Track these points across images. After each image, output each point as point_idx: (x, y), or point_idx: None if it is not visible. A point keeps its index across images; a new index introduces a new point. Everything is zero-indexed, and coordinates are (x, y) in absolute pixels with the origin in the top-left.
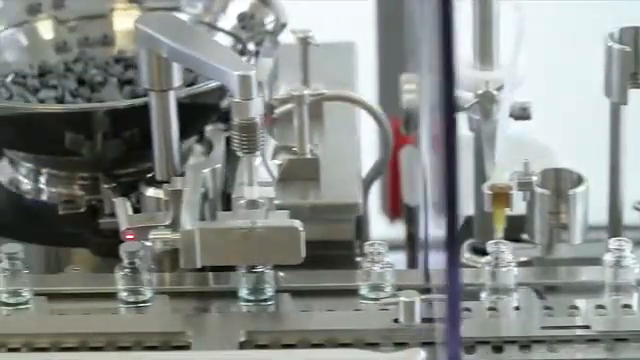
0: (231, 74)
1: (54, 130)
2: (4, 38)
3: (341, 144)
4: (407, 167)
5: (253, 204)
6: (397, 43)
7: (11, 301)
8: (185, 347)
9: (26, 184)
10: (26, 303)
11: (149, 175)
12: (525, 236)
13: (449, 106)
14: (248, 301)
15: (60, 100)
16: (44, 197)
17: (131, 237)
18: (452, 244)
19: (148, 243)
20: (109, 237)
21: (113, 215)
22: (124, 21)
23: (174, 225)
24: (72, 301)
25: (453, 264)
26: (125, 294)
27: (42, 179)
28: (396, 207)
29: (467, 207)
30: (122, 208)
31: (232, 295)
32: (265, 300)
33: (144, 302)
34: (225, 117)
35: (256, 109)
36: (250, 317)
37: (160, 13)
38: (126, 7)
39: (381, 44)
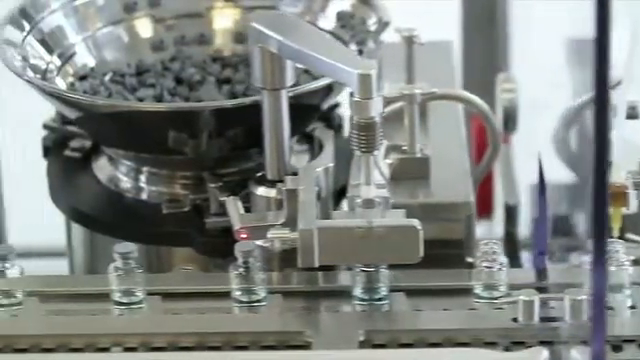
0: (351, 73)
1: (158, 129)
2: (102, 36)
3: (447, 143)
4: (505, 166)
5: (369, 203)
6: (483, 41)
7: (124, 300)
8: (303, 347)
9: (126, 182)
10: (140, 303)
11: (259, 174)
12: (632, 235)
13: (601, 105)
14: (362, 300)
15: (158, 99)
16: (144, 196)
17: (244, 236)
18: (600, 243)
19: (260, 242)
20: (215, 236)
21: (219, 214)
22: (220, 20)
23: (290, 224)
24: (185, 300)
25: (600, 263)
26: (239, 293)
27: (142, 178)
28: (485, 206)
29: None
30: (233, 207)
31: (343, 294)
32: (379, 299)
33: (258, 302)
34: (324, 117)
35: (376, 108)
36: (366, 316)
37: (273, 12)
38: (222, 6)
39: (467, 42)
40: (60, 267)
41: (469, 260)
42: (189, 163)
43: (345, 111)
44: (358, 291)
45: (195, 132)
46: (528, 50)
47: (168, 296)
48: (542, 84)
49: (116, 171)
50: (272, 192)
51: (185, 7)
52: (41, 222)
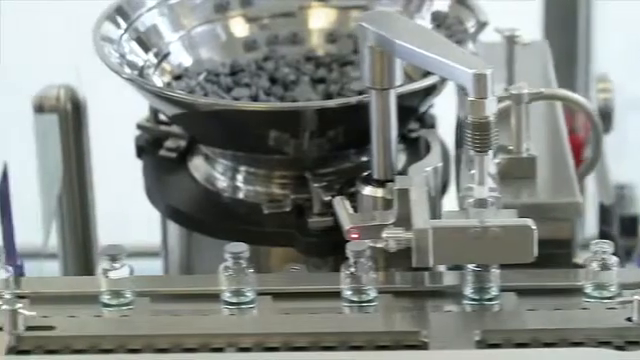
0: (466, 72)
1: (261, 128)
2: (196, 35)
3: (549, 142)
4: (599, 166)
5: (482, 203)
6: (565, 41)
7: (234, 300)
8: (419, 346)
9: (222, 181)
10: (250, 303)
11: (365, 174)
12: None
13: None
14: (473, 300)
15: (254, 98)
16: (241, 195)
17: (355, 236)
18: None
19: (368, 242)
20: (318, 236)
21: (321, 214)
22: (313, 19)
23: (400, 224)
24: (296, 300)
25: None
26: (349, 293)
27: (240, 177)
28: None
29: None
30: (342, 207)
31: (451, 294)
32: (490, 299)
33: (368, 301)
34: (417, 118)
35: (490, 108)
36: (479, 316)
37: (383, 11)
38: (315, 5)
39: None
40: (152, 267)
41: (576, 261)
42: (288, 163)
43: (437, 111)
44: (468, 291)
45: (298, 132)
46: (610, 50)
47: (278, 296)
48: (630, 84)
49: (213, 170)
50: (379, 192)
51: (277, 7)
52: (132, 222)
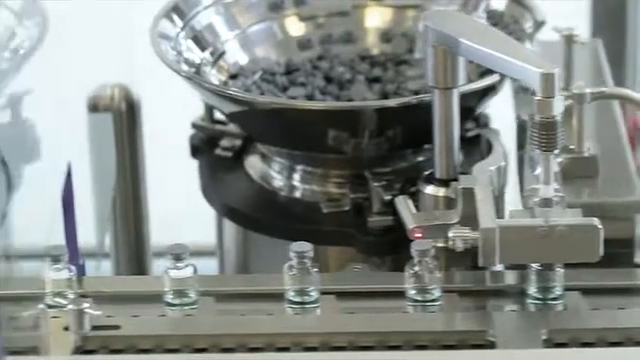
0: (534, 71)
1: (320, 127)
2: (251, 34)
3: (607, 141)
4: None
5: (548, 202)
6: (613, 39)
7: (297, 300)
8: (485, 346)
9: (279, 180)
10: (314, 302)
11: (426, 173)
12: None
13: None
14: (537, 299)
15: (309, 98)
16: (297, 194)
17: (419, 235)
18: None
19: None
20: (378, 235)
21: (381, 213)
22: (367, 18)
23: (464, 223)
24: (359, 300)
25: None
26: (413, 292)
27: (296, 176)
28: None
29: None
30: (405, 207)
31: (514, 294)
32: (554, 299)
33: (432, 301)
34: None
35: (557, 107)
36: (545, 315)
37: (447, 10)
38: (369, 4)
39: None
40: (207, 267)
41: (637, 260)
42: (345, 162)
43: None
44: (532, 290)
45: (357, 131)
46: None
47: (341, 295)
48: None
49: (269, 169)
50: (441, 191)
51: (331, 6)
52: (185, 222)
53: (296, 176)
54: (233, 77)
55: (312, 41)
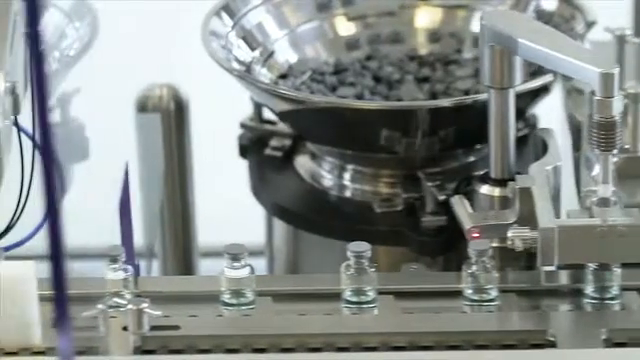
0: (594, 71)
1: (373, 127)
2: (299, 34)
3: None
4: None
5: (606, 202)
6: None
7: (355, 299)
8: (545, 345)
9: (329, 180)
10: (371, 302)
11: (481, 173)
12: None
13: None
14: (594, 299)
15: (359, 97)
16: (348, 193)
17: (476, 235)
18: None
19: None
20: (432, 235)
21: (435, 213)
22: (415, 18)
23: (522, 223)
24: (417, 299)
25: None
26: (470, 292)
27: (347, 175)
28: None
29: None
30: (461, 207)
31: (570, 293)
32: (612, 298)
33: (489, 300)
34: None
35: (617, 107)
36: (601, 315)
37: (504, 10)
38: (416, 4)
39: None
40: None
41: None
42: (396, 161)
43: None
44: (589, 290)
45: (410, 131)
46: None
47: (399, 295)
48: None
49: (319, 168)
50: (496, 191)
51: (379, 6)
52: (232, 222)
53: (346, 175)
54: (282, 77)
55: (360, 41)
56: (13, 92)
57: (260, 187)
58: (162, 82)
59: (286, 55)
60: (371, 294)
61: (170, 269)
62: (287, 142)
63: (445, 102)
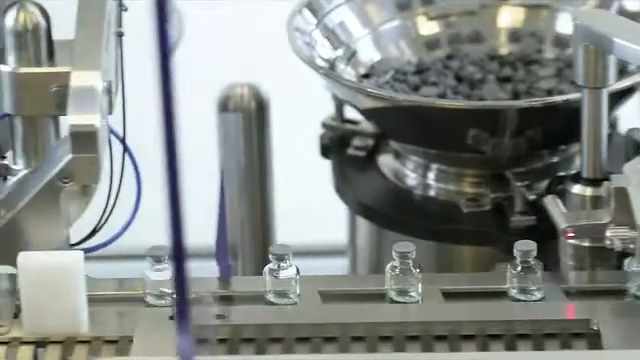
0: None
1: (460, 126)
2: (380, 33)
3: None
4: None
5: None
6: None
7: (399, 300)
8: (588, 335)
9: (413, 179)
10: (416, 303)
11: (573, 172)
12: None
13: None
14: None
15: (441, 97)
16: (432, 193)
17: (572, 235)
18: None
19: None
20: (521, 235)
21: (523, 213)
22: (495, 18)
23: (617, 222)
24: (463, 300)
25: None
26: (515, 291)
27: (431, 174)
28: None
29: None
30: (555, 207)
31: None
32: None
33: (535, 302)
34: None
35: None
36: None
37: (598, 10)
38: (497, 4)
39: None
40: (336, 266)
41: None
42: (481, 161)
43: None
44: (634, 289)
45: (498, 131)
46: None
47: (444, 295)
48: None
49: (403, 167)
50: (588, 190)
51: (459, 5)
52: (313, 221)
53: (431, 175)
54: (365, 76)
55: (440, 41)
56: (109, 91)
57: (343, 186)
58: (243, 81)
59: (369, 54)
60: (415, 295)
61: (248, 269)
62: (370, 142)
63: (535, 102)
